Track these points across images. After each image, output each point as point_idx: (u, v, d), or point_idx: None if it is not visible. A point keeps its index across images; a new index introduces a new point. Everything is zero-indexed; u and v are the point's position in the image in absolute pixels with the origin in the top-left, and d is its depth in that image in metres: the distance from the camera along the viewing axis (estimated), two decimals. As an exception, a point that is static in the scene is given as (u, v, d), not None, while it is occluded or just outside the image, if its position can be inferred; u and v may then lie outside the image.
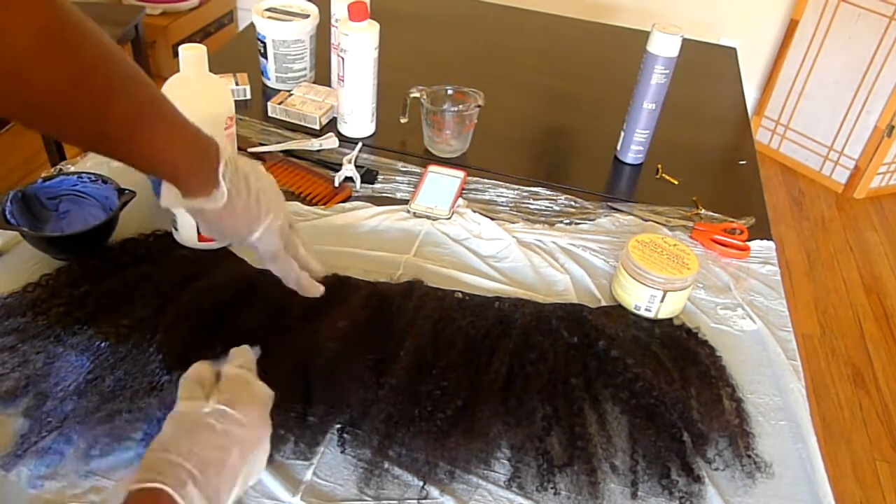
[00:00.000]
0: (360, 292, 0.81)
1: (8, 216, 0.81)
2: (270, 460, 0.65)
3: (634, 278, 0.84)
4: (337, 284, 0.82)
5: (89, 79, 0.52)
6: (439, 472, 0.66)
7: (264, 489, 0.64)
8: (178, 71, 0.77)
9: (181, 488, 0.50)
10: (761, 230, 1.03)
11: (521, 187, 1.07)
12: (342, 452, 0.67)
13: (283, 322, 0.77)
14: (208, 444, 0.53)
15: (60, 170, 0.92)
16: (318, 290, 0.73)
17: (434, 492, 0.65)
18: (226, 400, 0.56)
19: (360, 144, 1.12)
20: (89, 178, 0.87)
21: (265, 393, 0.61)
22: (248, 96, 1.22)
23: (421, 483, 0.65)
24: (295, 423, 0.68)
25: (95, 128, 0.54)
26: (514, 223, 0.99)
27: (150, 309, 0.76)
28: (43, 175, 0.88)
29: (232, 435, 0.55)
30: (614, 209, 1.05)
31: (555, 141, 1.24)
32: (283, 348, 0.73)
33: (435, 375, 0.72)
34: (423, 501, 0.65)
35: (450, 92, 1.11)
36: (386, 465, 0.66)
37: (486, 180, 1.08)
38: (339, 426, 0.69)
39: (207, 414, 0.55)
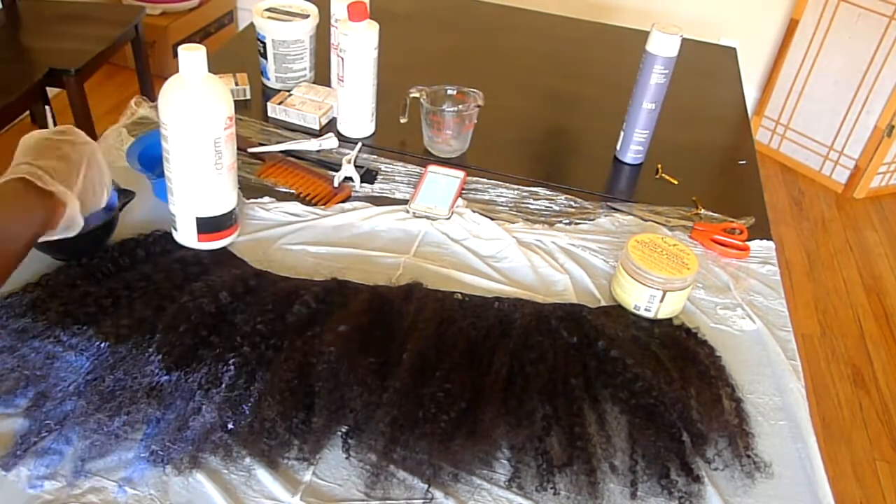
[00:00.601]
0: (360, 296, 0.81)
1: None
2: (269, 457, 0.65)
3: (634, 278, 0.84)
4: (337, 288, 0.82)
5: None
6: (443, 475, 0.66)
7: (264, 489, 0.64)
8: (178, 71, 0.77)
9: (39, 177, 0.66)
10: (761, 230, 1.03)
11: (521, 187, 1.07)
12: (347, 458, 0.67)
13: (283, 324, 0.77)
14: (53, 153, 0.69)
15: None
16: None
17: (436, 493, 0.65)
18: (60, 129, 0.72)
19: (359, 144, 1.12)
20: None
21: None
22: (248, 96, 1.22)
23: (426, 485, 0.65)
24: (298, 429, 0.68)
25: None
26: (513, 223, 0.99)
27: (149, 309, 0.76)
28: None
29: (71, 146, 0.71)
30: (614, 209, 1.05)
31: (554, 141, 1.24)
32: (284, 352, 0.73)
33: (438, 378, 0.72)
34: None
35: (449, 92, 1.11)
36: (391, 468, 0.66)
37: (485, 180, 1.08)
38: (343, 430, 0.69)
39: (48, 137, 0.71)
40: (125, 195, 0.85)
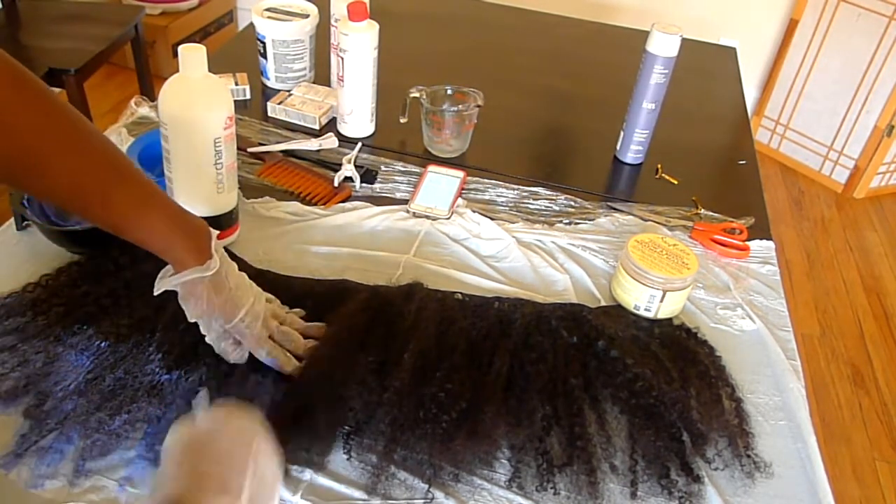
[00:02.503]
0: (360, 296, 0.81)
1: (26, 204, 0.83)
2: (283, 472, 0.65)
3: (634, 278, 0.84)
4: (337, 289, 0.82)
5: (96, 170, 0.62)
6: (443, 475, 0.66)
7: (264, 489, 0.64)
8: (177, 71, 0.77)
9: None
10: (761, 230, 1.03)
11: (521, 187, 1.07)
12: (348, 459, 0.67)
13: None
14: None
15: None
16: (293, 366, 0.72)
17: (437, 494, 0.65)
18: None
19: (359, 144, 1.12)
20: None
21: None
22: (248, 96, 1.22)
23: (427, 486, 0.65)
24: (303, 432, 0.68)
25: (102, 213, 0.64)
26: (513, 223, 0.99)
27: (149, 308, 0.76)
28: None
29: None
30: (614, 209, 1.05)
31: (554, 141, 1.24)
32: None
33: (438, 378, 0.72)
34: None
35: (449, 92, 1.11)
36: (392, 468, 0.66)
37: (485, 180, 1.08)
38: (344, 431, 0.69)
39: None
40: None
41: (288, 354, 0.72)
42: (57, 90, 1.85)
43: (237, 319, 0.69)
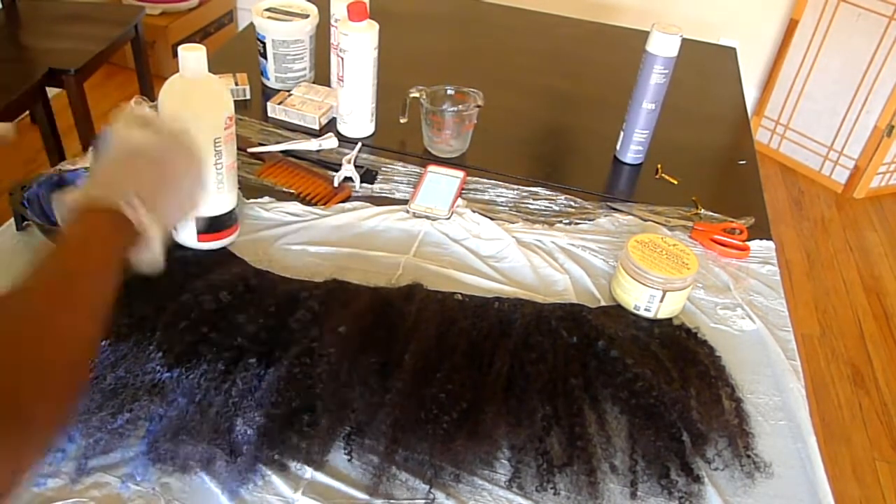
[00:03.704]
0: (361, 297, 0.81)
1: (26, 204, 0.83)
2: (277, 459, 0.65)
3: (634, 278, 0.84)
4: (337, 289, 0.83)
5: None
6: (444, 475, 0.66)
7: (267, 486, 0.64)
8: (177, 71, 0.77)
9: (129, 205, 0.54)
10: (761, 230, 1.03)
11: (521, 187, 1.07)
12: (349, 461, 0.67)
13: (285, 328, 0.77)
14: (144, 171, 0.58)
15: (60, 169, 0.93)
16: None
17: (438, 494, 0.65)
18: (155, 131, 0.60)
19: (359, 144, 1.12)
20: None
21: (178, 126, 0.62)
22: (248, 96, 1.22)
23: (427, 486, 0.65)
24: (303, 432, 0.68)
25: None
26: (513, 223, 0.99)
27: (149, 308, 0.76)
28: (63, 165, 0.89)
29: (164, 162, 0.59)
30: (614, 209, 1.05)
31: (554, 141, 1.24)
32: (286, 353, 0.73)
33: (439, 378, 0.72)
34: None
35: (449, 92, 1.11)
36: (393, 469, 0.66)
37: (485, 180, 1.08)
38: (345, 432, 0.69)
39: (140, 144, 0.59)
40: None
41: None
42: (57, 90, 1.85)
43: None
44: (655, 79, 1.06)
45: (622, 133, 1.14)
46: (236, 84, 1.21)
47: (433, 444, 0.67)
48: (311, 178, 1.03)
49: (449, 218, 0.98)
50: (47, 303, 0.48)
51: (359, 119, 1.13)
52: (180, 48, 0.76)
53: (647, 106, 1.08)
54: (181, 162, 0.62)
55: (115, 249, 0.55)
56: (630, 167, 1.15)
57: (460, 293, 0.85)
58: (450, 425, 0.68)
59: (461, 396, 0.71)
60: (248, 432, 0.66)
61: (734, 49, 1.60)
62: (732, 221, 1.04)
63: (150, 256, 0.57)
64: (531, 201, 1.05)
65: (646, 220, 1.03)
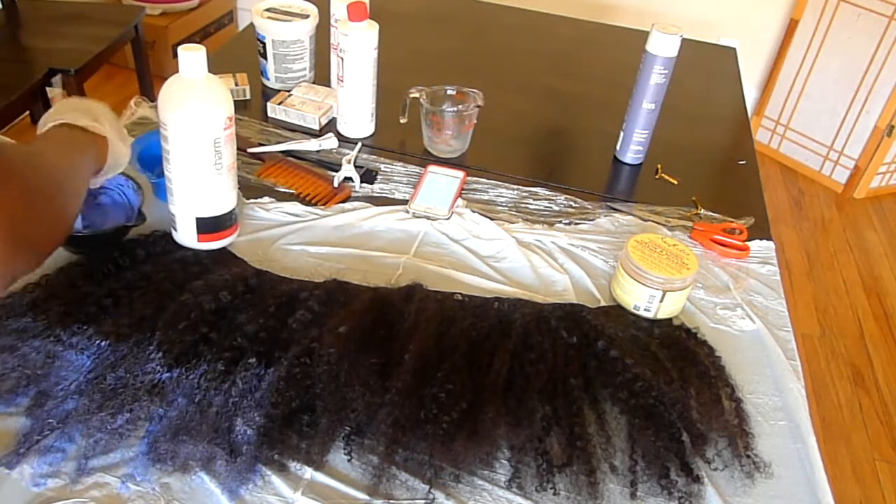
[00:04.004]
0: (360, 297, 0.81)
1: None
2: (276, 459, 0.65)
3: (634, 278, 0.84)
4: (337, 290, 0.83)
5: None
6: (444, 475, 0.66)
7: (267, 486, 0.64)
8: (177, 71, 0.77)
9: (77, 119, 0.73)
10: (761, 230, 1.03)
11: (521, 187, 1.07)
12: (349, 461, 0.67)
13: (284, 329, 0.77)
14: (79, 106, 0.76)
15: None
16: None
17: (438, 494, 0.65)
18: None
19: (359, 145, 1.12)
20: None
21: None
22: (248, 96, 1.22)
23: (427, 486, 0.65)
24: (303, 432, 0.68)
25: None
26: (513, 223, 0.99)
27: (149, 308, 0.77)
28: None
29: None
30: (614, 209, 1.05)
31: (554, 141, 1.24)
32: (286, 353, 0.73)
33: (439, 378, 0.72)
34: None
35: (449, 92, 1.11)
36: (393, 469, 0.66)
37: (485, 180, 1.08)
38: (345, 432, 0.69)
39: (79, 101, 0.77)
40: (140, 216, 0.85)
41: None
42: (58, 90, 1.85)
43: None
44: (655, 79, 1.06)
45: (622, 133, 1.14)
46: (236, 84, 1.21)
47: (433, 445, 0.67)
48: (310, 178, 1.03)
49: (449, 218, 0.98)
50: (54, 153, 0.68)
51: (359, 119, 1.13)
52: (180, 48, 0.76)
53: (646, 106, 1.08)
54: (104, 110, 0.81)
55: (89, 143, 0.74)
56: (630, 167, 1.15)
57: (460, 293, 0.85)
58: (449, 425, 0.68)
59: (461, 396, 0.71)
60: (248, 432, 0.66)
61: (734, 49, 1.60)
62: (732, 221, 1.04)
63: (115, 157, 0.78)
64: (531, 201, 1.05)
65: (646, 221, 1.03)
